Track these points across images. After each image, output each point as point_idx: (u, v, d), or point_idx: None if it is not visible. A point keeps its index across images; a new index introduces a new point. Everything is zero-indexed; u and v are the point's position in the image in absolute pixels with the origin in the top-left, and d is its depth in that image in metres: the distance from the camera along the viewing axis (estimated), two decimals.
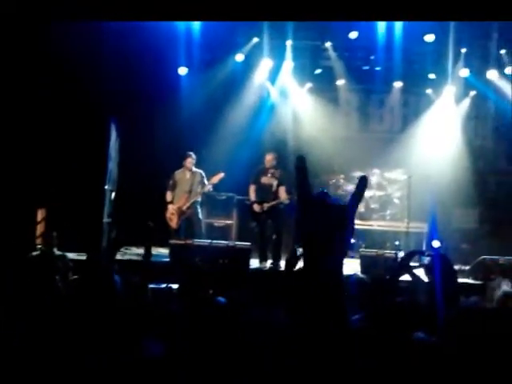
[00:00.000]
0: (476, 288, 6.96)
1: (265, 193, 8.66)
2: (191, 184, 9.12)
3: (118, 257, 8.24)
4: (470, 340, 2.70)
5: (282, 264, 8.02)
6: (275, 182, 8.67)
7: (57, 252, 6.84)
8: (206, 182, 9.13)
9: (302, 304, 3.92)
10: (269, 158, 8.75)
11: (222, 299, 2.93)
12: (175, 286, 4.60)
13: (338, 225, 4.79)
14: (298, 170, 4.96)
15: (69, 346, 2.56)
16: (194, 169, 9.20)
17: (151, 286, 4.15)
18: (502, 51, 10.36)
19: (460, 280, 6.00)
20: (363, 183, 5.09)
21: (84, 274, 4.13)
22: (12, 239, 7.73)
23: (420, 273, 5.18)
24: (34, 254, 6.98)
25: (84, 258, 5.93)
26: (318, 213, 4.80)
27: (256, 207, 8.63)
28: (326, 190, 5.55)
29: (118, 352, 2.48)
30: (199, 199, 9.25)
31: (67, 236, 7.96)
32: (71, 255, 7.03)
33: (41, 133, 9.11)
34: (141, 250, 8.82)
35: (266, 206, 8.59)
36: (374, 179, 10.71)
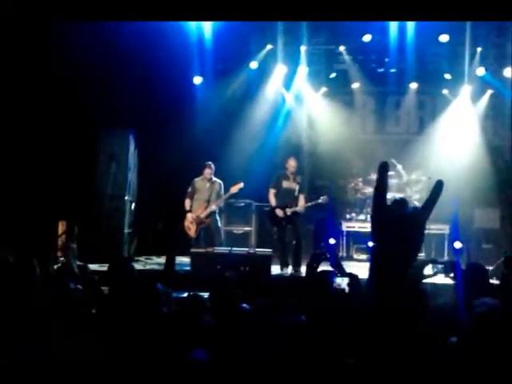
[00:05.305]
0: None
1: (286, 197, 8.60)
2: (210, 193, 9.11)
3: (140, 267, 8.36)
4: (493, 342, 2.65)
5: (303, 269, 7.99)
6: (297, 187, 8.63)
7: (78, 263, 6.88)
8: (222, 193, 9.12)
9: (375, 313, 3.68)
10: (292, 164, 8.65)
11: (246, 306, 2.92)
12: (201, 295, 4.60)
13: (413, 233, 4.60)
14: (381, 176, 4.71)
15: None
16: (214, 178, 9.20)
17: (174, 294, 4.15)
18: None
19: None
20: (439, 188, 4.82)
21: (113, 284, 4.14)
22: (34, 253, 7.78)
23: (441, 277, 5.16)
24: (56, 266, 7.03)
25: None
26: (393, 222, 4.60)
27: (278, 212, 8.56)
28: (403, 199, 5.35)
29: (163, 357, 2.48)
30: (217, 209, 9.24)
31: (88, 247, 8.05)
32: (93, 266, 7.08)
33: (60, 147, 9.24)
34: (161, 260, 8.90)
35: (288, 210, 8.51)
36: (392, 181, 10.63)
